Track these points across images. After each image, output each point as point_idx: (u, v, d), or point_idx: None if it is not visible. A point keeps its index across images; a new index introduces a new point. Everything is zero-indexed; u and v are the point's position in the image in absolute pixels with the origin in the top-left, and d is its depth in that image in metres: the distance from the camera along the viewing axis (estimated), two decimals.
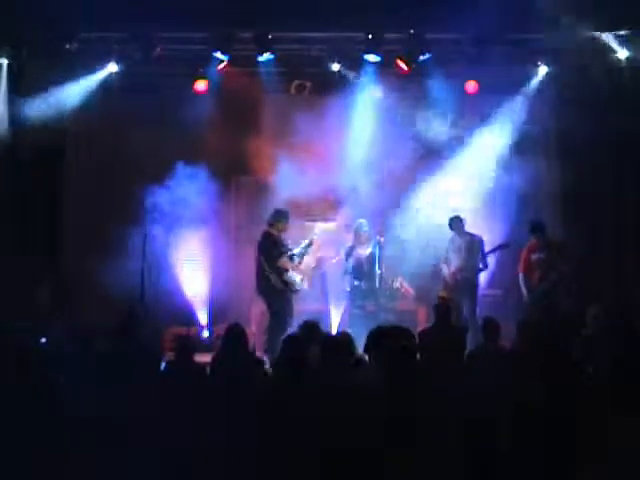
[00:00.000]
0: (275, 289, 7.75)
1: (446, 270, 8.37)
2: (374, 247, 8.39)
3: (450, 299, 7.52)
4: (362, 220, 8.57)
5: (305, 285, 7.99)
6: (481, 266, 8.31)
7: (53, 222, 9.34)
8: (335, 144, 9.37)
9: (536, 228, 8.03)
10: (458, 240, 8.35)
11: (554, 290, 7.90)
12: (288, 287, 7.80)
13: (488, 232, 8.70)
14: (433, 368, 4.73)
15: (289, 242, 8.03)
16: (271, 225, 7.89)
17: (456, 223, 8.37)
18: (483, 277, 8.78)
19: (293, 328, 6.75)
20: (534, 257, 8.05)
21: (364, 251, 8.46)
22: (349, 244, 8.58)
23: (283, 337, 5.37)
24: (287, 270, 7.78)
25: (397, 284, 8.85)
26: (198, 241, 9.30)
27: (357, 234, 8.51)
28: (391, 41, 8.68)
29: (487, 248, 8.39)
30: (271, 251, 7.75)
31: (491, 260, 8.54)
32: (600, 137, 8.96)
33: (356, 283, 8.42)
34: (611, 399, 3.49)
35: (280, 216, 7.90)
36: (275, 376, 4.76)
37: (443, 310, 6.48)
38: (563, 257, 7.96)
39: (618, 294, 8.78)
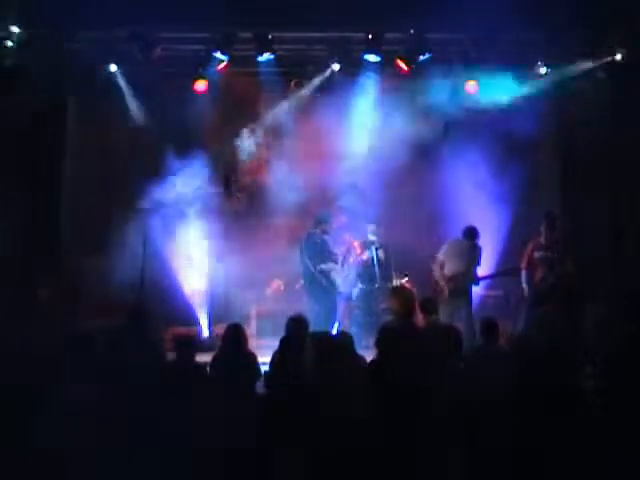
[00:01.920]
0: (325, 289, 8.03)
1: (438, 273, 8.18)
2: (373, 248, 8.54)
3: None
4: (372, 225, 8.73)
5: (342, 289, 8.26)
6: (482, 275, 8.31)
7: (53, 222, 9.34)
8: (335, 144, 9.37)
9: (548, 215, 8.05)
10: (460, 245, 8.17)
11: (554, 290, 7.88)
12: (334, 287, 8.11)
13: (488, 232, 8.70)
14: (432, 368, 4.72)
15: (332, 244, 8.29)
16: (316, 227, 8.16)
17: (472, 233, 8.17)
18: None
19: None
20: (537, 255, 7.99)
21: (368, 254, 8.62)
22: (358, 249, 8.72)
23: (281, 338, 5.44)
24: (330, 271, 8.08)
25: (397, 283, 8.83)
26: (198, 240, 9.29)
27: (367, 238, 8.69)
28: (391, 41, 8.67)
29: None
30: (321, 253, 8.07)
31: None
32: (599, 136, 8.98)
33: (360, 285, 8.62)
34: (610, 399, 3.50)
35: (324, 218, 8.19)
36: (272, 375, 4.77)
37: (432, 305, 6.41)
38: (567, 255, 7.92)
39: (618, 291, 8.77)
